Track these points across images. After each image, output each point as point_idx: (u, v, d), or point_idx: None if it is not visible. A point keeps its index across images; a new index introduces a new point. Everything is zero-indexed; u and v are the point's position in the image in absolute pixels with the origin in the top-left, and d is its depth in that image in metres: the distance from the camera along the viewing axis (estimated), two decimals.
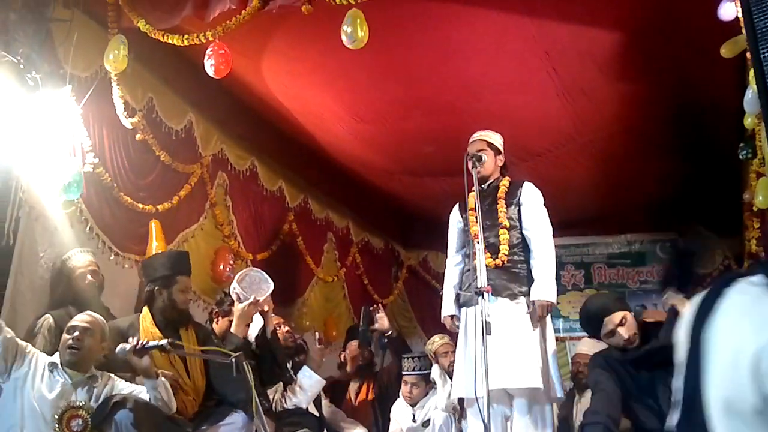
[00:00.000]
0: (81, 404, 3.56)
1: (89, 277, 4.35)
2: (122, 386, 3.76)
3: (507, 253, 4.18)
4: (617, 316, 3.72)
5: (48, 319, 4.17)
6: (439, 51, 5.08)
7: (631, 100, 5.76)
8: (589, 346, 5.85)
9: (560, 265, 8.85)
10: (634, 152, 6.72)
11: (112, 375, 3.79)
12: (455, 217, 4.59)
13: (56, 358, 3.66)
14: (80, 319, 3.76)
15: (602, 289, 8.89)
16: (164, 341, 3.76)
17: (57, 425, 3.46)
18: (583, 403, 5.44)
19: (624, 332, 3.68)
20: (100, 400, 3.61)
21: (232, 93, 5.90)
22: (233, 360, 3.70)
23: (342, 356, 6.29)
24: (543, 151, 6.49)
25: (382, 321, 5.93)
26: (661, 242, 8.85)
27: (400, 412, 5.49)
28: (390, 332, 5.96)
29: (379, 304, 6.19)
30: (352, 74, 5.45)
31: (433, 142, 6.32)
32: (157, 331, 4.06)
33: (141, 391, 3.72)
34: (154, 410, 3.66)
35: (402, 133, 6.33)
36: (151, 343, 3.67)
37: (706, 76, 5.32)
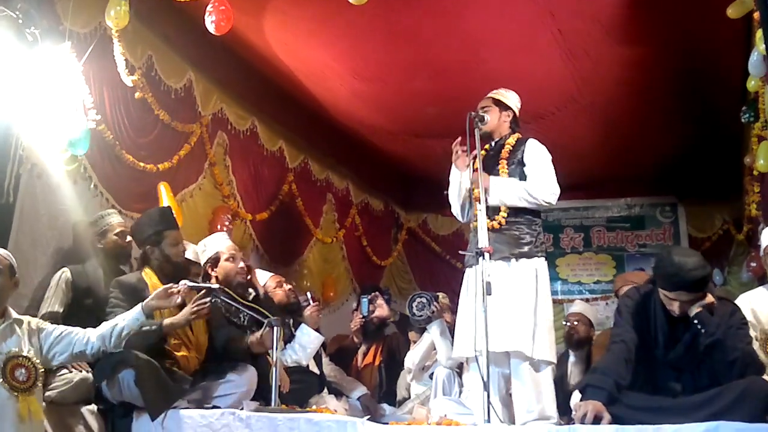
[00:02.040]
0: (25, 353, 3.30)
1: (122, 237, 4.43)
2: (51, 329, 3.49)
3: (505, 216, 4.15)
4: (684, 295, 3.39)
5: (65, 273, 4.22)
6: (443, 11, 5.03)
7: (634, 62, 5.73)
8: (582, 307, 5.90)
9: (559, 228, 8.91)
10: (636, 115, 6.71)
11: (32, 318, 3.53)
12: (453, 171, 4.44)
13: None
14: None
15: (601, 253, 8.96)
16: (216, 285, 4.03)
17: (1, 375, 3.19)
18: (577, 363, 5.50)
19: (677, 309, 3.41)
20: (45, 350, 3.42)
21: (233, 52, 5.84)
22: (270, 320, 3.90)
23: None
24: (546, 113, 6.47)
25: (381, 308, 5.96)
26: (660, 206, 8.89)
27: (410, 359, 5.53)
28: (390, 318, 5.99)
29: (377, 292, 6.18)
30: (355, 34, 5.40)
31: (437, 102, 6.29)
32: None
33: (72, 331, 3.52)
34: (155, 368, 3.69)
35: (405, 93, 6.30)
36: (204, 284, 3.85)
37: (711, 39, 5.30)
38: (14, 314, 3.41)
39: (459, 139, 4.20)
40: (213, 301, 4.21)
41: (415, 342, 5.61)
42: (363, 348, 5.96)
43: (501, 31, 5.26)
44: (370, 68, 5.94)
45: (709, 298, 3.39)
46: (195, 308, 3.82)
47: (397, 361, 5.79)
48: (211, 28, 4.25)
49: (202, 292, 3.88)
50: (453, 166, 4.37)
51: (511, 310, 3.92)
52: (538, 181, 4.12)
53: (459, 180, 4.34)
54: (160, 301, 3.71)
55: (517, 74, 5.54)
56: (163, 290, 3.73)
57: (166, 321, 3.82)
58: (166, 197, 5.05)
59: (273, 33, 5.49)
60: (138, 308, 3.61)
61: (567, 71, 5.80)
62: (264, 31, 5.45)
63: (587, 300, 8.56)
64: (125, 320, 3.56)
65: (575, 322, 5.59)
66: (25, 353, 3.31)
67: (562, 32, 5.20)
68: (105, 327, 3.55)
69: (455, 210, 4.47)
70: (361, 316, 5.90)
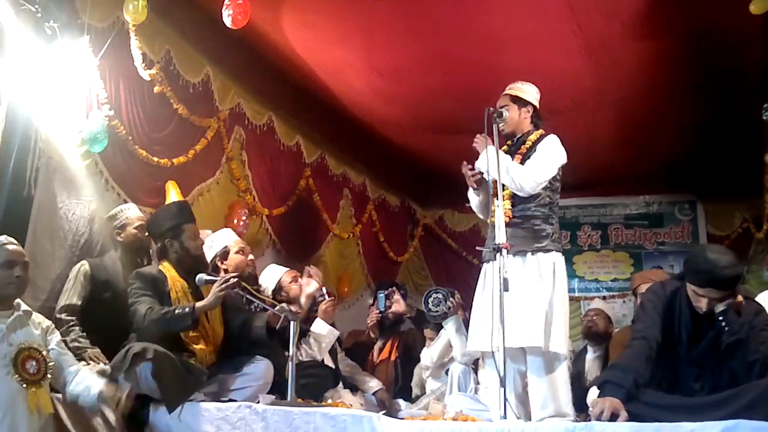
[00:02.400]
0: (35, 345, 3.32)
1: (141, 231, 4.46)
2: (56, 343, 3.53)
3: (511, 207, 4.10)
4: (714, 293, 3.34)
5: (84, 266, 4.26)
6: (461, 5, 5.01)
7: (654, 58, 5.68)
8: (600, 304, 5.92)
9: (577, 225, 8.85)
10: (655, 112, 6.66)
11: (44, 318, 3.55)
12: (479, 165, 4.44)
13: None
14: (17, 251, 3.43)
15: (618, 251, 8.89)
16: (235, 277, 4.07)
17: (12, 367, 3.19)
18: (595, 360, 5.48)
19: (704, 306, 3.37)
20: (52, 344, 3.47)
21: (250, 46, 5.84)
22: (285, 315, 3.96)
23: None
24: (564, 109, 6.42)
25: (398, 304, 5.95)
26: (679, 204, 8.80)
27: (427, 356, 5.57)
28: (407, 314, 5.98)
29: (394, 288, 6.17)
30: (372, 28, 5.40)
31: (454, 98, 6.26)
32: (182, 280, 4.11)
33: (68, 363, 3.56)
34: (172, 361, 3.71)
35: (423, 88, 6.28)
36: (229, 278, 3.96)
37: (732, 35, 5.24)
38: (24, 306, 3.41)
39: (464, 163, 4.21)
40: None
41: (430, 339, 5.60)
42: (379, 343, 5.96)
43: (519, 25, 5.23)
44: (388, 63, 5.93)
45: (738, 298, 3.36)
46: (222, 285, 3.85)
47: (413, 356, 5.79)
48: (228, 21, 4.25)
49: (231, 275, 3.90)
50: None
51: (527, 305, 3.90)
52: (527, 167, 4.06)
53: (477, 198, 4.31)
54: None
55: (535, 69, 5.48)
56: None
57: (198, 304, 3.88)
58: (174, 195, 5.04)
59: (290, 28, 5.49)
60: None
61: (585, 66, 5.76)
62: (281, 25, 5.45)
63: (604, 298, 8.52)
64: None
65: (594, 317, 5.61)
66: (35, 345, 3.33)
67: (581, 27, 5.16)
68: (79, 387, 3.52)
69: (482, 216, 4.43)
70: (377, 311, 5.90)
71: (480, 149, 4.15)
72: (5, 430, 3.10)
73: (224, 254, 4.76)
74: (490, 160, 3.90)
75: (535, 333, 3.87)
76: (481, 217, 4.45)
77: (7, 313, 3.31)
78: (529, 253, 4.03)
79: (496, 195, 3.95)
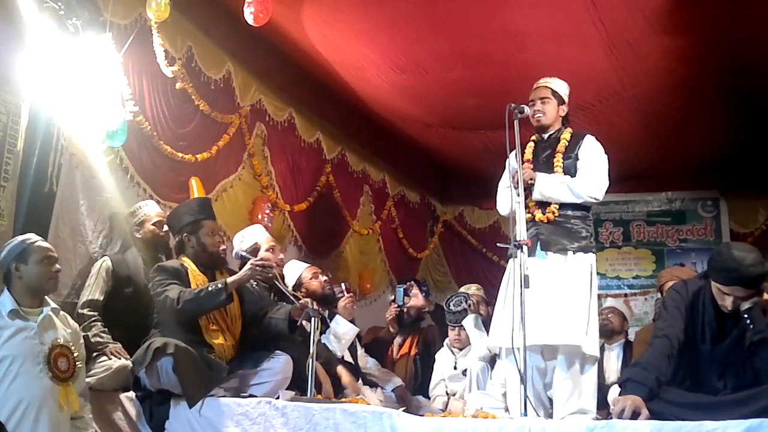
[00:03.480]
0: (65, 343, 3.36)
1: (160, 227, 4.49)
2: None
3: (557, 207, 4.09)
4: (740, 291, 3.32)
5: (106, 262, 4.30)
6: (482, 1, 4.98)
7: (678, 53, 5.61)
8: (613, 302, 5.88)
9: (598, 222, 8.77)
10: (678, 108, 6.58)
11: (68, 316, 3.58)
12: (510, 163, 4.29)
13: (10, 303, 3.29)
14: (51, 247, 3.49)
15: (640, 248, 8.82)
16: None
17: (46, 365, 3.23)
18: (612, 357, 5.46)
19: (730, 305, 3.35)
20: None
21: (271, 43, 5.86)
22: (307, 311, 3.96)
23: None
24: (587, 105, 6.37)
25: (416, 298, 5.94)
26: (702, 200, 8.70)
27: (443, 360, 5.57)
28: (426, 308, 5.97)
29: (412, 281, 6.17)
30: (393, 25, 5.39)
31: (476, 94, 6.24)
32: (202, 274, 4.14)
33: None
34: (193, 356, 3.73)
35: (443, 85, 6.25)
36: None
37: (758, 30, 5.17)
38: (52, 303, 3.45)
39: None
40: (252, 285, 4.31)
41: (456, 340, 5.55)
42: (399, 339, 5.96)
43: (541, 20, 5.19)
44: (409, 59, 5.91)
45: (764, 296, 3.33)
46: (258, 262, 3.91)
47: (432, 353, 5.78)
48: (249, 19, 4.26)
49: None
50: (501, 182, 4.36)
51: (565, 303, 3.89)
52: (586, 177, 4.08)
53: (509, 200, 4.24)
54: None
55: (558, 65, 5.44)
56: None
57: (230, 279, 3.91)
58: (197, 191, 5.07)
59: (311, 24, 5.49)
60: None
61: (609, 62, 5.71)
62: (302, 22, 5.45)
63: (625, 295, 8.47)
64: None
65: (609, 314, 5.59)
66: (66, 343, 3.36)
67: (604, 22, 5.11)
68: None
69: (504, 213, 4.40)
70: (396, 305, 5.89)
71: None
72: (37, 426, 3.13)
73: (254, 251, 4.77)
74: (519, 178, 3.94)
75: (572, 332, 3.87)
76: (504, 213, 4.42)
77: (37, 310, 3.35)
78: (570, 252, 4.04)
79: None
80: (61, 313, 3.50)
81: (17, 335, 3.23)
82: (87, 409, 3.46)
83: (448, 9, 5.11)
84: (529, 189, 4.03)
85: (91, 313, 4.12)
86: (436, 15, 5.19)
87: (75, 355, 3.38)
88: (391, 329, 6.02)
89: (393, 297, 6.08)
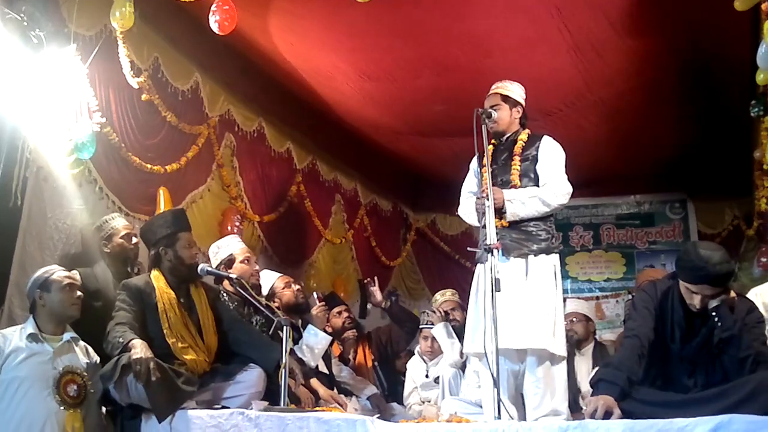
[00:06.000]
0: (77, 370, 3.52)
1: (128, 240, 4.43)
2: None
3: None
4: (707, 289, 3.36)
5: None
6: (449, 8, 5.02)
7: (641, 56, 5.70)
8: (574, 306, 5.80)
9: (569, 226, 8.86)
10: (644, 110, 6.68)
11: (88, 345, 3.76)
12: (473, 166, 4.46)
13: (31, 327, 3.54)
14: (75, 276, 3.80)
15: (611, 251, 8.91)
16: (234, 275, 4.32)
17: (55, 390, 3.43)
18: (582, 361, 5.46)
19: (698, 303, 3.38)
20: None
21: (239, 53, 5.85)
22: (279, 320, 3.97)
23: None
24: (554, 110, 6.44)
25: (375, 294, 5.97)
26: (670, 203, 8.83)
27: (415, 369, 5.58)
28: (384, 305, 6.01)
29: (373, 278, 6.18)
30: (360, 32, 5.41)
31: (443, 101, 6.28)
32: (171, 291, 4.05)
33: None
34: (163, 370, 3.67)
35: (411, 92, 6.29)
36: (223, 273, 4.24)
37: (719, 32, 5.27)
38: (72, 333, 3.63)
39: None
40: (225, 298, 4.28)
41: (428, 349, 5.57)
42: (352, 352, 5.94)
43: (507, 26, 5.24)
44: (377, 67, 5.93)
45: (731, 294, 3.38)
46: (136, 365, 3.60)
47: (389, 355, 5.79)
48: (215, 27, 4.25)
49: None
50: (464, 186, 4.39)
51: (531, 307, 3.91)
52: (551, 186, 4.10)
53: (473, 208, 4.30)
54: None
55: (525, 70, 5.50)
56: None
57: (131, 346, 3.61)
58: (164, 203, 5.03)
59: (278, 33, 5.49)
60: None
61: (574, 67, 5.78)
62: (269, 31, 5.45)
63: (597, 298, 8.54)
64: None
65: (573, 320, 5.47)
66: (77, 371, 3.52)
67: (569, 27, 5.18)
68: None
69: (468, 221, 4.47)
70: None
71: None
72: None
73: (229, 262, 4.74)
74: (489, 186, 3.95)
75: (538, 335, 3.89)
76: (469, 222, 4.48)
77: (57, 337, 3.58)
78: (531, 255, 4.05)
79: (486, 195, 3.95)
80: (82, 342, 3.68)
81: (31, 358, 3.47)
82: None
83: (414, 16, 5.14)
84: (500, 212, 4.04)
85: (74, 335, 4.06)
86: (402, 22, 5.22)
87: (88, 383, 3.52)
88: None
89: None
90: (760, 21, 4.55)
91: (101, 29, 4.60)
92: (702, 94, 6.38)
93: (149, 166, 5.01)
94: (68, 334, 3.62)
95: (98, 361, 3.70)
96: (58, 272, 3.67)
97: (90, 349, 3.70)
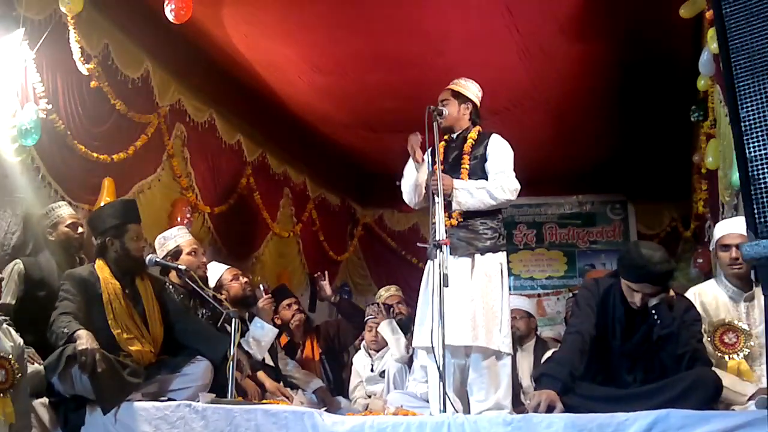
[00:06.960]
0: (3, 354, 3.30)
1: (74, 229, 4.36)
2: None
3: (461, 212, 4.18)
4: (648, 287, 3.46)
5: (18, 264, 4.15)
6: (401, 3, 5.06)
7: (587, 59, 5.84)
8: (516, 302, 5.87)
9: (513, 225, 9.01)
10: (587, 112, 6.83)
11: (12, 327, 3.56)
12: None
13: None
14: None
15: (553, 249, 9.09)
16: (183, 266, 4.30)
17: None
18: (524, 357, 5.55)
19: (638, 301, 3.47)
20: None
21: (191, 42, 5.79)
22: (228, 313, 3.98)
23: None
24: (501, 109, 6.54)
25: (325, 288, 5.98)
26: (611, 204, 9.06)
27: (360, 363, 5.61)
28: (333, 299, 6.01)
29: (323, 272, 6.21)
30: (313, 25, 5.41)
31: (394, 96, 6.32)
32: (116, 281, 4.01)
33: None
34: (108, 361, 3.64)
35: (363, 86, 6.32)
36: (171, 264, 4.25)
37: (663, 38, 5.43)
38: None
39: (417, 134, 4.22)
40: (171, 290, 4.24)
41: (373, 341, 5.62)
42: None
43: (458, 24, 5.29)
44: (329, 61, 5.95)
45: (671, 293, 3.50)
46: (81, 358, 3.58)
47: (336, 348, 5.82)
48: (170, 16, 4.21)
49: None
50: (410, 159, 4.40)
51: (477, 304, 3.97)
52: (499, 181, 4.13)
53: (415, 173, 4.35)
54: None
55: (474, 68, 5.53)
56: None
57: (77, 336, 3.60)
58: (107, 192, 4.95)
59: (232, 24, 5.46)
60: None
61: (522, 66, 5.88)
62: (223, 22, 5.41)
63: (539, 295, 8.70)
64: None
65: (515, 317, 5.42)
66: (3, 355, 3.28)
67: (519, 27, 5.27)
68: None
69: (407, 198, 4.47)
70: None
71: (418, 160, 4.25)
72: None
73: (176, 254, 4.70)
74: (439, 181, 3.97)
75: (480, 333, 3.94)
76: (407, 200, 4.46)
77: None
78: (478, 254, 4.11)
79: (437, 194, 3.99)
80: (4, 325, 3.43)
81: None
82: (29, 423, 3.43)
83: (366, 11, 5.17)
84: (448, 202, 4.08)
85: (3, 317, 3.97)
86: (355, 16, 5.24)
87: (15, 367, 3.30)
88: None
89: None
90: (702, 28, 4.72)
91: (51, 14, 4.49)
92: (645, 98, 6.55)
93: (95, 154, 4.90)
94: None
95: (22, 344, 3.51)
96: None
97: (12, 330, 3.49)
